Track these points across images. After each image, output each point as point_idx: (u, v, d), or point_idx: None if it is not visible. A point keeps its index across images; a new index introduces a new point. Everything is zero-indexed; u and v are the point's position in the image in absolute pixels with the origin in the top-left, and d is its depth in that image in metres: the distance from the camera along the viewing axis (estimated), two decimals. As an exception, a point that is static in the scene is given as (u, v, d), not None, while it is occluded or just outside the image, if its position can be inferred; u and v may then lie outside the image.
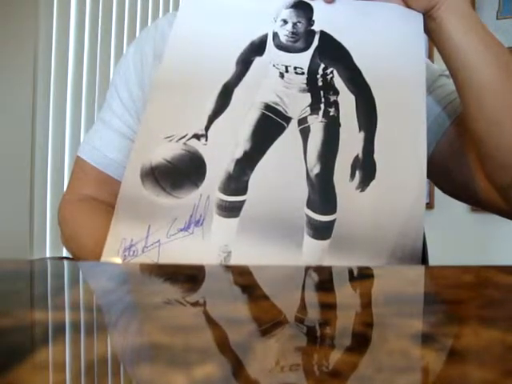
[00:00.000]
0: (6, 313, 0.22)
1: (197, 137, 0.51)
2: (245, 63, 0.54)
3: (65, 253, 1.55)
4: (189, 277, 0.32)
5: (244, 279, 0.32)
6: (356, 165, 0.50)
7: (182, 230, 0.48)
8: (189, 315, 0.23)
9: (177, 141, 0.51)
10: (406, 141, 0.51)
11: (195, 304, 0.26)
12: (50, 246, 1.66)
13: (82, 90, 1.77)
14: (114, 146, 0.66)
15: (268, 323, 0.21)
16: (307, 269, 0.38)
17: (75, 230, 0.63)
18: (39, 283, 0.31)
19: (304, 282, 0.32)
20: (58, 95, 1.71)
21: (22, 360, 0.16)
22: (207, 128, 0.51)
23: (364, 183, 0.49)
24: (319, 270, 0.38)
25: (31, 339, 0.19)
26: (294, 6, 0.55)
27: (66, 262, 0.46)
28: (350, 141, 0.51)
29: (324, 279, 0.33)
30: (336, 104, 0.52)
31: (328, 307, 0.25)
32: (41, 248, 1.64)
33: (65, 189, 0.71)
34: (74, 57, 1.75)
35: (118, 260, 0.48)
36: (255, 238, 0.48)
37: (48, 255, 1.65)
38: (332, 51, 0.54)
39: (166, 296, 0.27)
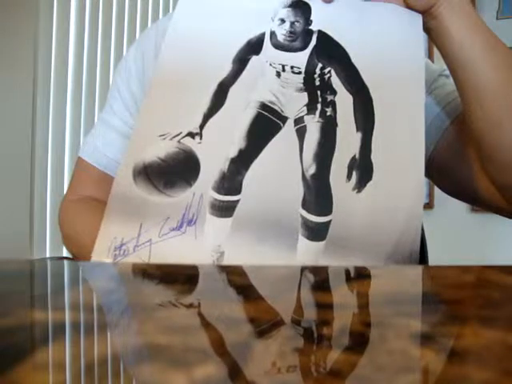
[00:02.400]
0: (6, 313, 0.22)
1: (191, 135, 0.50)
2: (241, 62, 0.54)
3: (65, 253, 1.55)
4: (188, 277, 0.32)
5: (243, 280, 0.32)
6: (353, 165, 0.49)
7: (174, 230, 0.47)
8: (188, 315, 0.23)
9: (171, 139, 0.50)
10: (404, 142, 0.51)
11: (194, 304, 0.26)
12: (49, 246, 1.66)
13: (81, 90, 1.77)
14: (114, 146, 0.66)
15: (268, 324, 0.21)
16: (306, 269, 0.38)
17: (75, 229, 0.63)
18: (39, 283, 0.31)
19: (303, 282, 0.32)
20: (58, 95, 1.71)
21: (22, 360, 0.16)
22: (202, 126, 0.51)
23: (361, 184, 0.49)
24: (318, 270, 0.38)
25: (31, 339, 0.19)
26: (292, 6, 0.55)
27: (66, 262, 0.46)
28: (347, 141, 0.50)
29: (324, 279, 0.33)
30: (333, 104, 0.52)
31: (328, 307, 0.25)
32: (41, 248, 1.64)
33: (65, 189, 0.71)
34: (73, 57, 1.75)
35: (108, 260, 0.47)
36: (248, 238, 0.47)
37: (48, 255, 1.65)
38: (330, 51, 0.54)
39: (166, 296, 0.27)
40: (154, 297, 0.27)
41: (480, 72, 0.53)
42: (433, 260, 0.73)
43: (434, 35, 0.56)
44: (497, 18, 2.14)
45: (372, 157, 0.50)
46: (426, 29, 0.56)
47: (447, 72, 0.58)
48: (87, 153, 0.68)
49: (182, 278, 0.32)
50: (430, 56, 1.76)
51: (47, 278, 0.33)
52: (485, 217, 2.03)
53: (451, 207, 1.98)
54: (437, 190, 0.68)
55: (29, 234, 1.62)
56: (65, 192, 0.71)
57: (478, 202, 0.64)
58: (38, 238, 1.64)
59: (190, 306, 0.25)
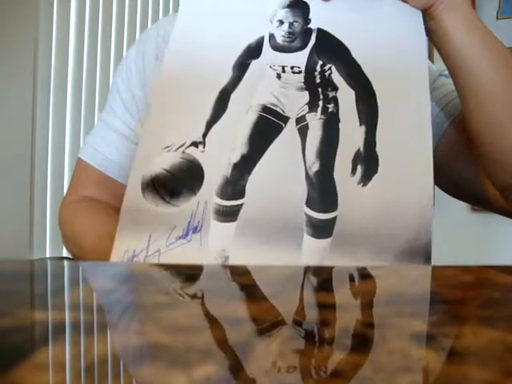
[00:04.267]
0: (6, 313, 0.22)
1: (195, 144, 0.50)
2: (241, 67, 0.53)
3: (65, 253, 1.55)
4: (189, 277, 0.32)
5: (245, 279, 0.32)
6: (357, 159, 0.49)
7: (180, 238, 0.48)
8: (189, 315, 0.23)
9: (175, 150, 0.50)
10: (410, 133, 0.50)
11: (196, 304, 0.26)
12: (49, 246, 1.66)
13: (81, 90, 1.77)
14: (115, 147, 0.66)
15: (269, 323, 0.21)
16: (308, 269, 0.38)
17: (75, 229, 0.63)
18: (39, 283, 0.31)
19: (305, 282, 0.32)
20: (58, 95, 1.71)
21: (22, 360, 0.16)
22: (205, 135, 0.51)
23: (366, 177, 0.48)
24: (320, 270, 0.38)
25: (31, 339, 0.19)
26: (290, 6, 0.55)
27: (66, 262, 0.46)
28: (351, 135, 0.50)
29: (325, 280, 0.33)
30: (335, 100, 0.51)
31: (329, 308, 0.25)
32: (41, 248, 1.64)
33: (65, 189, 0.71)
34: (73, 57, 1.75)
35: None
36: (253, 241, 0.47)
37: (48, 255, 1.65)
38: (330, 48, 0.53)
39: (166, 296, 0.27)
40: (155, 296, 0.27)
41: (479, 73, 0.53)
42: (433, 260, 0.73)
43: (433, 36, 0.55)
44: (497, 18, 2.14)
45: (377, 149, 0.49)
46: (426, 29, 0.56)
47: (447, 72, 0.58)
48: (87, 154, 0.68)
49: (186, 277, 0.32)
50: (430, 56, 1.75)
51: (47, 278, 0.33)
52: (485, 217, 2.03)
53: (451, 207, 1.98)
54: (437, 190, 0.67)
55: (29, 234, 1.62)
56: (65, 192, 0.71)
57: (478, 202, 0.63)
58: (37, 238, 1.64)
59: (195, 305, 0.25)
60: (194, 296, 0.27)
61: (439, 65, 0.64)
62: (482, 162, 0.58)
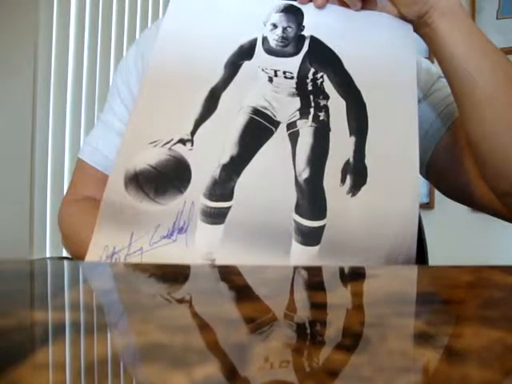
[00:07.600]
0: (6, 313, 0.22)
1: (182, 142, 0.50)
2: (233, 67, 0.53)
3: (65, 253, 1.55)
4: (188, 277, 0.32)
5: (242, 279, 0.32)
6: (347, 169, 0.49)
7: (165, 238, 0.47)
8: (188, 315, 0.23)
9: (162, 146, 0.50)
10: (397, 145, 0.51)
11: (194, 304, 0.26)
12: (49, 246, 1.66)
13: (81, 90, 1.77)
14: (114, 147, 0.65)
15: (267, 324, 0.21)
16: (305, 269, 0.38)
17: (74, 228, 0.63)
18: (39, 283, 0.31)
19: (303, 282, 0.32)
20: (58, 95, 1.71)
21: (22, 360, 0.16)
22: (193, 133, 0.50)
23: (355, 188, 0.49)
24: (318, 270, 0.38)
25: (31, 339, 0.19)
26: (285, 11, 0.55)
27: (66, 262, 0.46)
28: (341, 145, 0.50)
29: (324, 279, 0.33)
30: (326, 108, 0.51)
31: (328, 308, 0.25)
32: (41, 248, 1.65)
33: (65, 189, 0.71)
34: (74, 57, 1.75)
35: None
36: (240, 245, 0.47)
37: (48, 255, 1.65)
38: (322, 56, 0.53)
39: (165, 296, 0.27)
40: (153, 297, 0.27)
41: (475, 77, 0.53)
42: (433, 260, 0.73)
43: (428, 42, 0.55)
44: (497, 18, 2.14)
45: (366, 161, 0.50)
46: (422, 36, 0.56)
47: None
48: (87, 154, 0.68)
49: (184, 278, 0.32)
50: (430, 57, 1.75)
51: (47, 278, 0.33)
52: (485, 217, 2.02)
53: (451, 207, 1.98)
54: (437, 191, 0.68)
55: (29, 234, 1.62)
56: (65, 192, 0.71)
57: (476, 206, 0.63)
58: (38, 238, 1.64)
59: (193, 305, 0.25)
60: (193, 296, 0.27)
61: (438, 67, 0.64)
62: (479, 168, 0.58)
